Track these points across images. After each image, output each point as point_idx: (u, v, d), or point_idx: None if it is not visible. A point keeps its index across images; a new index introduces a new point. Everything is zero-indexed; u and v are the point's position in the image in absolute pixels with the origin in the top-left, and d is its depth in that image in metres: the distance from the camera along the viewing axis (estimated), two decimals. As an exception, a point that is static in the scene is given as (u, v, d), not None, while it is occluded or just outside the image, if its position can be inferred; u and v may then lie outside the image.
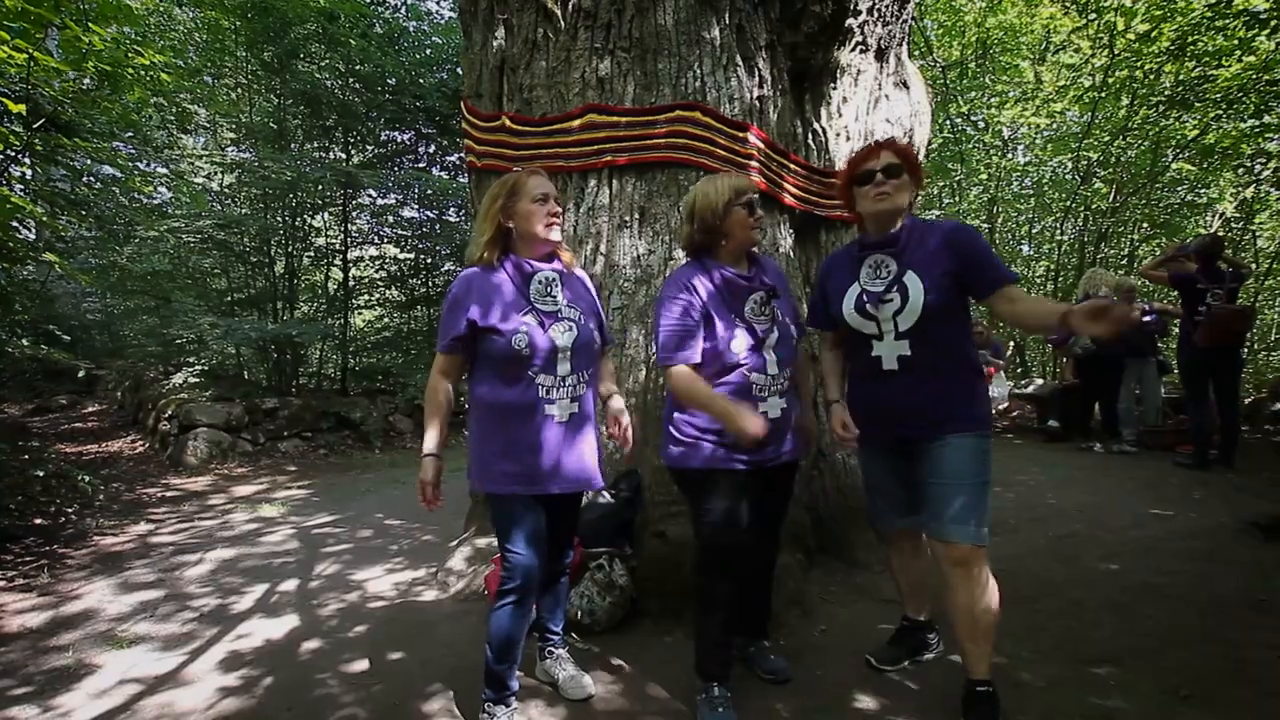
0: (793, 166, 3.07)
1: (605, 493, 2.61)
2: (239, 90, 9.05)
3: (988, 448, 1.82)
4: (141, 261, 7.94)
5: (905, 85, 3.61)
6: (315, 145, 10.05)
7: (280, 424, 7.55)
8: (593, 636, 2.44)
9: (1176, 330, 5.80)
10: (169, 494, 5.70)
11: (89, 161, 4.98)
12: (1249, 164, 7.93)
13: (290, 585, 3.26)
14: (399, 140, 10.87)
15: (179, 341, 6.88)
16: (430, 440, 1.88)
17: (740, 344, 1.86)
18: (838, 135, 3.26)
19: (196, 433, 6.83)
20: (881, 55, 3.40)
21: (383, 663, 2.38)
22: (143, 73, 4.53)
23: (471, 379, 1.94)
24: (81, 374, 10.00)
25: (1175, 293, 5.47)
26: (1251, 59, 6.69)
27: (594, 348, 1.96)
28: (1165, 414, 6.14)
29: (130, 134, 5.79)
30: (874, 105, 3.42)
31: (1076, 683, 2.03)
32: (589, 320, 1.95)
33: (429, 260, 10.60)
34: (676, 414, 1.95)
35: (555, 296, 1.89)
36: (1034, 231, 11.10)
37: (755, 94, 2.98)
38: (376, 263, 11.57)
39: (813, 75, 3.20)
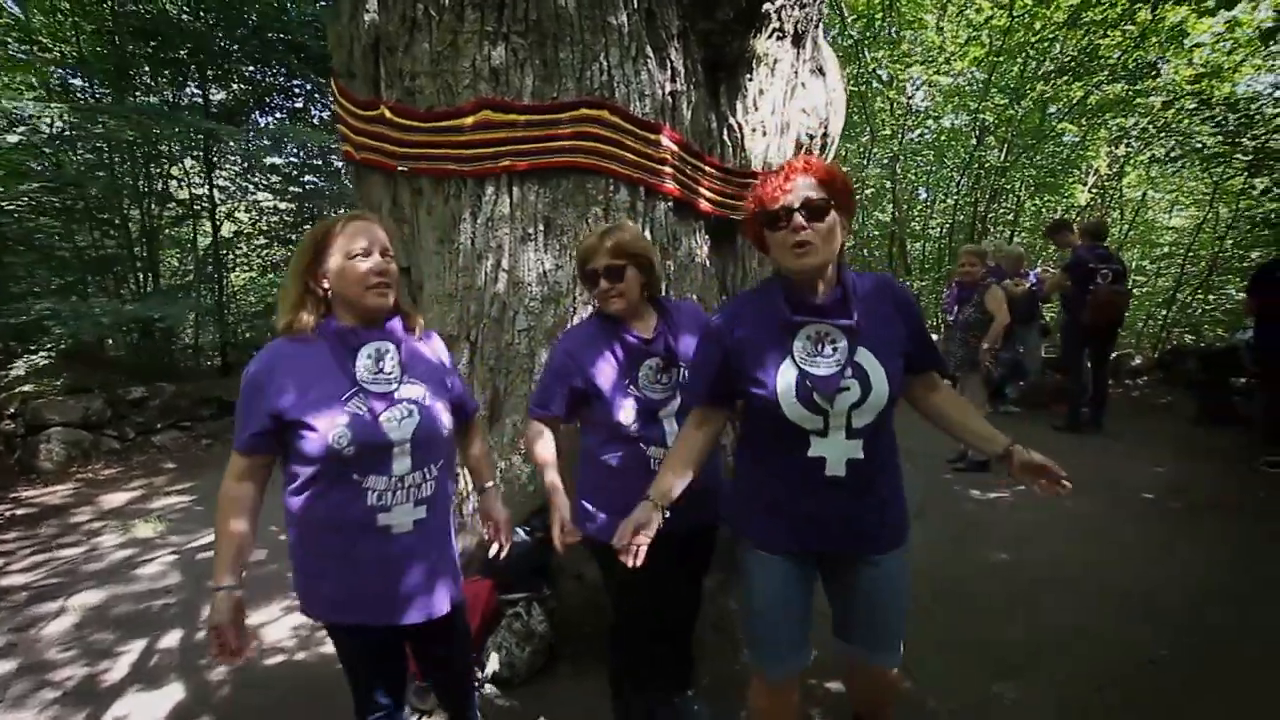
0: (708, 169, 2.88)
1: (520, 530, 2.47)
2: (53, 18, 7.53)
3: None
4: None
5: (821, 72, 3.45)
6: (165, 81, 8.66)
7: (152, 414, 6.77)
8: (512, 689, 2.35)
9: (1056, 299, 6.21)
10: (20, 511, 5.02)
11: None
12: (1124, 125, 8.45)
13: (173, 639, 2.94)
14: (266, 80, 9.53)
15: (11, 321, 5.88)
16: (222, 568, 1.43)
17: (628, 415, 1.71)
18: (754, 130, 3.08)
19: (49, 433, 6.00)
20: (799, 41, 3.21)
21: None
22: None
23: (283, 480, 1.52)
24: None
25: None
26: (1131, 28, 7.02)
27: (443, 435, 1.57)
28: (1043, 373, 6.67)
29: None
30: (791, 95, 3.25)
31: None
32: (436, 399, 1.57)
33: (313, 209, 9.36)
34: (584, 477, 1.82)
35: (390, 373, 1.51)
36: (931, 179, 11.52)
37: (668, 89, 2.73)
38: (252, 217, 10.38)
39: (728, 65, 2.97)
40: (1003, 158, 9.46)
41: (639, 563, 1.46)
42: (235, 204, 10.06)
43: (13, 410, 6.24)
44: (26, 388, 6.57)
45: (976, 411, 1.61)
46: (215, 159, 8.75)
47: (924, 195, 11.99)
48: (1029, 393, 6.30)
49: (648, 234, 2.64)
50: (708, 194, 2.89)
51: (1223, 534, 3.43)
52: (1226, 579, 2.94)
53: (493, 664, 2.32)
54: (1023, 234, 10.62)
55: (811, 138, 3.45)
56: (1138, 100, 7.93)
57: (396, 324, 1.57)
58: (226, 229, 10.14)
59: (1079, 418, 5.46)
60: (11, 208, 6.13)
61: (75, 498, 5.32)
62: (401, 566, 1.51)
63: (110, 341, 8.33)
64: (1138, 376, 7.04)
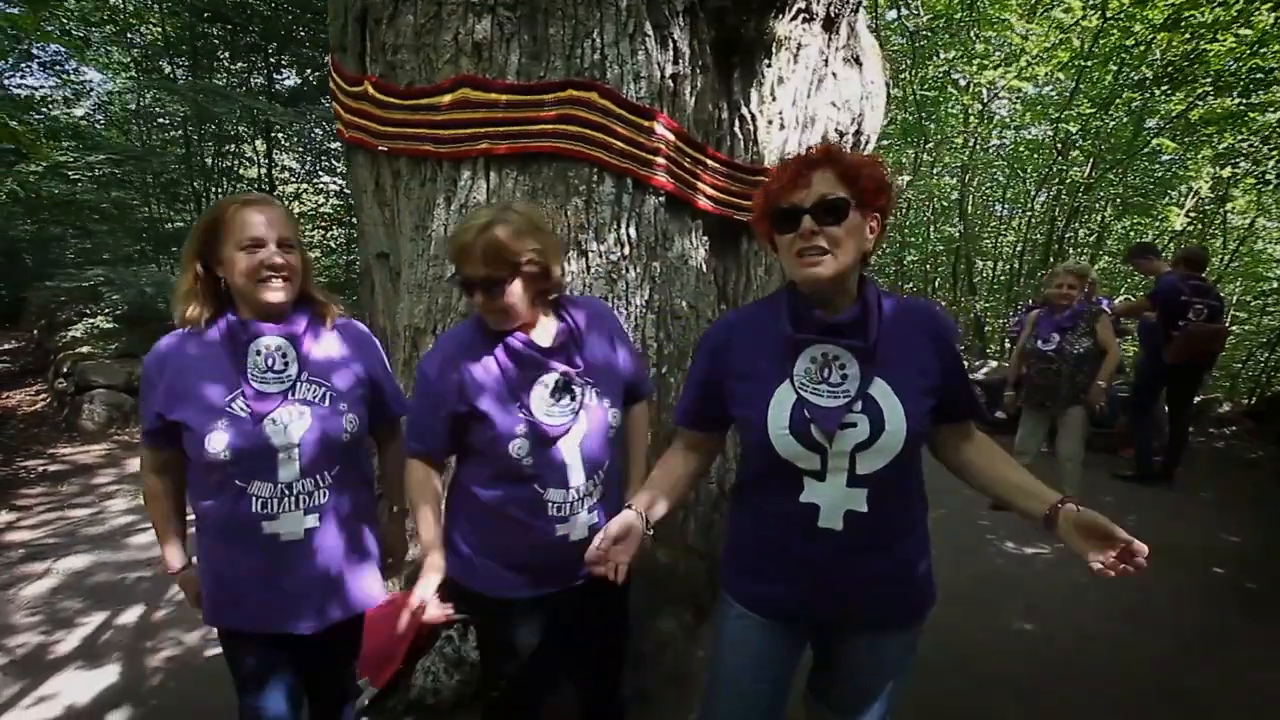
0: (711, 163, 2.60)
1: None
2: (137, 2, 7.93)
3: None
4: (58, 185, 6.98)
5: (857, 61, 3.10)
6: (241, 66, 9.01)
7: (193, 383, 7.00)
8: (437, 717, 2.14)
9: (1135, 332, 5.54)
10: (52, 468, 5.23)
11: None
12: (1233, 143, 7.55)
13: (132, 616, 2.90)
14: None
15: (67, 286, 6.18)
16: (169, 552, 1.49)
17: (519, 445, 1.37)
18: (770, 123, 2.78)
19: (93, 394, 6.28)
20: (831, 25, 2.88)
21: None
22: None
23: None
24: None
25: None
26: (1247, 32, 6.21)
27: (340, 440, 1.43)
28: (1114, 413, 5.98)
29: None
30: (817, 86, 2.92)
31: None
32: (339, 400, 1.44)
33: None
34: (456, 513, 1.50)
35: (285, 372, 1.39)
36: (1007, 195, 10.72)
37: (668, 71, 2.47)
38: (318, 200, 10.71)
39: (743, 49, 2.67)
40: (1088, 173, 8.65)
41: (620, 579, 1.23)
42: (300, 185, 10.42)
43: (66, 370, 6.57)
44: (84, 349, 6.91)
45: (1017, 463, 1.30)
46: (276, 141, 9.05)
47: (1000, 211, 11.19)
48: (1096, 436, 5.65)
49: (632, 230, 2.40)
50: (708, 190, 2.61)
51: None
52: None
53: (417, 689, 2.13)
54: (1105, 258, 9.71)
55: (842, 135, 3.11)
56: (1251, 115, 7.05)
57: (301, 318, 1.43)
58: (295, 209, 10.51)
59: (1150, 466, 4.84)
60: (76, 177, 6.45)
61: (106, 459, 5.52)
62: (289, 575, 1.42)
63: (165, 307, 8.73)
64: (1224, 426, 6.23)
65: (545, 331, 1.44)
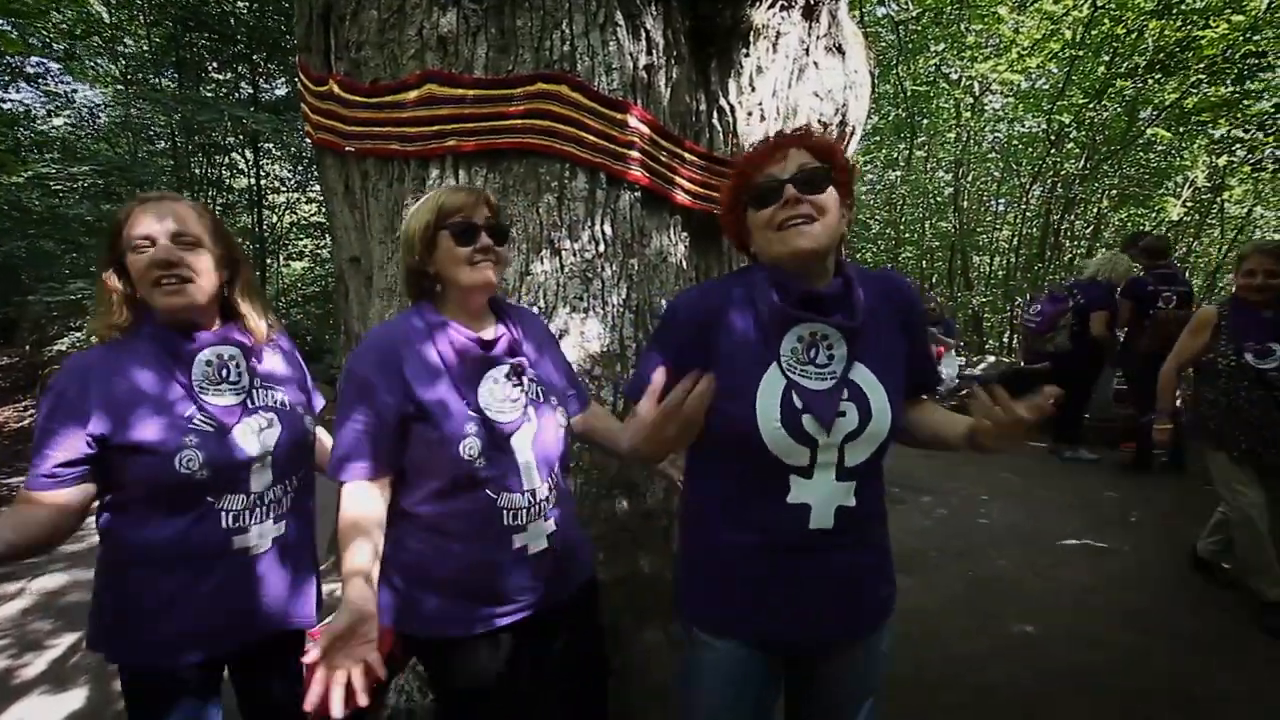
0: (689, 156, 2.51)
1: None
2: (121, 11, 7.87)
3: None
4: (43, 199, 6.91)
5: (840, 50, 3.02)
6: (229, 76, 8.95)
7: (182, 396, 6.91)
8: (410, 740, 2.05)
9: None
10: (35, 485, 5.14)
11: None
12: (1228, 130, 7.46)
13: (102, 636, 2.81)
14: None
15: (51, 300, 6.10)
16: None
17: (473, 444, 1.22)
18: (750, 114, 2.69)
19: (79, 409, 6.18)
20: (811, 13, 2.79)
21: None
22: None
23: (101, 509, 1.29)
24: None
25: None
26: (1240, 18, 6.13)
27: (308, 443, 1.43)
28: (1114, 407, 5.89)
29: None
30: (799, 75, 2.84)
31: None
32: (298, 404, 1.43)
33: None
34: (389, 546, 1.27)
35: (237, 380, 1.32)
36: (1000, 188, 10.63)
37: (641, 62, 2.39)
38: (306, 210, 10.64)
39: (720, 38, 2.59)
40: (1082, 165, 8.57)
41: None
42: (291, 195, 10.35)
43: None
44: (70, 363, 6.82)
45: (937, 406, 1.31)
46: (265, 151, 8.99)
47: (995, 206, 11.10)
48: (1097, 429, 5.56)
49: (607, 227, 2.32)
50: (686, 184, 2.52)
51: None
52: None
53: (390, 709, 2.04)
54: (1102, 250, 9.61)
55: (825, 125, 3.03)
56: (1246, 102, 6.97)
57: (234, 328, 1.36)
58: (287, 219, 10.44)
59: (1150, 460, 4.75)
60: (58, 188, 6.39)
61: (91, 474, 5.42)
62: (257, 587, 1.34)
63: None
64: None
65: (487, 329, 1.35)
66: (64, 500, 1.18)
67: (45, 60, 7.32)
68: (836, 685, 1.24)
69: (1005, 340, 10.07)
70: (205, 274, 1.27)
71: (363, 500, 1.22)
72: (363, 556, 1.16)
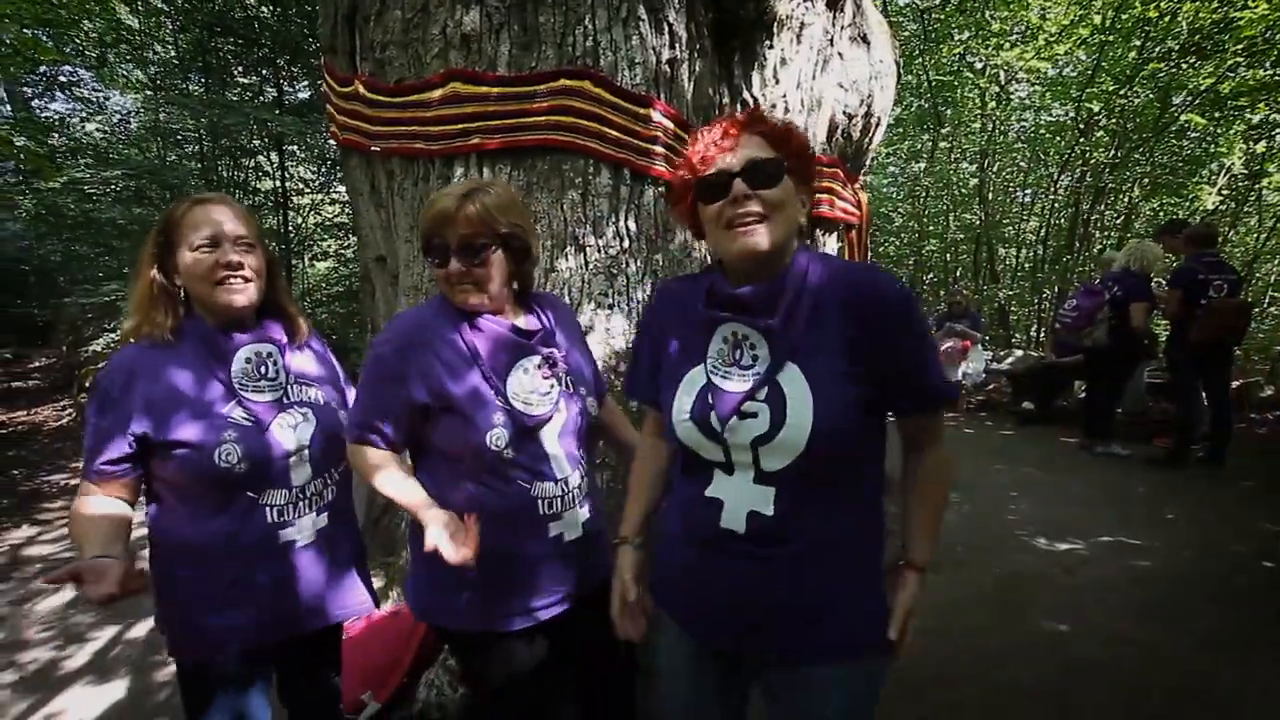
0: (712, 150, 2.49)
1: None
2: (150, 18, 8.04)
3: (881, 680, 1.12)
4: (78, 203, 7.11)
5: (865, 40, 2.97)
6: (254, 80, 9.11)
7: (212, 395, 7.07)
8: (441, 733, 2.07)
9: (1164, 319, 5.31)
10: (74, 482, 5.29)
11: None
12: (1268, 114, 7.21)
13: (141, 630, 2.88)
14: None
15: (86, 302, 6.28)
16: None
17: (500, 435, 1.22)
18: (774, 107, 2.67)
19: (114, 408, 6.35)
20: (835, 3, 2.76)
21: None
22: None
23: (149, 503, 1.35)
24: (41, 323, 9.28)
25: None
26: (1280, -2, 5.91)
27: (342, 435, 1.42)
28: (1145, 403, 5.75)
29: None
30: (823, 67, 2.81)
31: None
32: (332, 400, 1.47)
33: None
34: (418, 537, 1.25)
35: (275, 377, 1.36)
36: (1028, 180, 10.41)
37: (664, 56, 2.38)
38: (330, 211, 10.78)
39: (742, 30, 2.57)
40: (1113, 154, 8.35)
41: (638, 637, 1.20)
42: (315, 196, 10.50)
43: (88, 384, 6.67)
44: (105, 364, 7.01)
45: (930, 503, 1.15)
46: (290, 153, 9.13)
47: (1021, 196, 10.87)
48: (1130, 424, 5.43)
49: (631, 223, 2.32)
50: (710, 179, 2.50)
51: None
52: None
53: (420, 702, 2.06)
54: (1133, 241, 9.37)
55: (850, 116, 2.99)
56: (1286, 85, 6.73)
57: (275, 326, 1.41)
58: (311, 220, 10.59)
59: (1185, 454, 4.63)
60: (92, 192, 6.55)
61: (127, 471, 5.56)
62: (302, 580, 1.38)
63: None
64: (1267, 411, 5.95)
65: (520, 319, 1.35)
66: (123, 485, 1.26)
67: (78, 69, 7.51)
68: (790, 713, 1.13)
69: (1033, 334, 9.87)
70: (261, 275, 1.34)
71: (385, 457, 1.26)
72: (415, 490, 1.23)
